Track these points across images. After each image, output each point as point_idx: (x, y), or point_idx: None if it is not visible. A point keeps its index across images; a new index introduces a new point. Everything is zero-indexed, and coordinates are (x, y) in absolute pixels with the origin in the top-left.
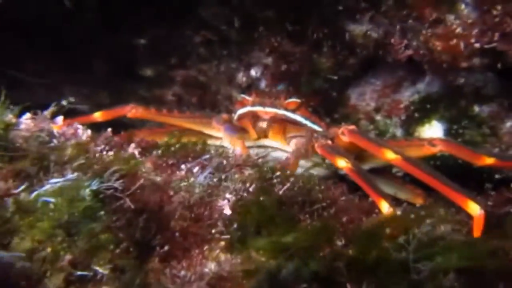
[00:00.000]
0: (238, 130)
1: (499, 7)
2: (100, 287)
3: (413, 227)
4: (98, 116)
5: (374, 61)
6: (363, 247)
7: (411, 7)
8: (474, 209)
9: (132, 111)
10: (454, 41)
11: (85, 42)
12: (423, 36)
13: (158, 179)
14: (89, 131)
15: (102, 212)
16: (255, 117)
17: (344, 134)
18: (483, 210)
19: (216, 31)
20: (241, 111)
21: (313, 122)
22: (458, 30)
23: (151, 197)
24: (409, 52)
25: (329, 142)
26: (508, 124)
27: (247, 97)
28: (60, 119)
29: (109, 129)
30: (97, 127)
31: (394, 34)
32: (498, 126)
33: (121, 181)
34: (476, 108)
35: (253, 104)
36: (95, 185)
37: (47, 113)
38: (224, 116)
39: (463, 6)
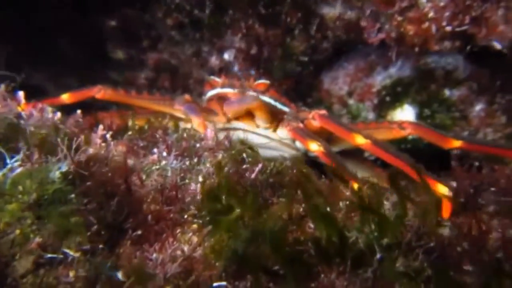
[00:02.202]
0: (200, 110)
1: None
2: (70, 270)
3: (379, 207)
4: (65, 98)
5: (347, 45)
6: (330, 229)
7: None
8: (442, 191)
9: (100, 92)
10: (426, 24)
11: (52, 22)
12: (395, 20)
13: (131, 162)
14: (58, 113)
15: (73, 195)
16: (225, 99)
17: (315, 118)
18: (451, 192)
19: (188, 13)
20: (210, 93)
21: (283, 104)
22: (430, 13)
23: (123, 181)
24: (382, 35)
25: (300, 125)
26: (477, 107)
27: (216, 79)
28: (20, 94)
29: (79, 111)
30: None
31: (366, 18)
32: (467, 109)
33: (92, 163)
34: (447, 92)
35: (223, 86)
36: (64, 167)
37: (1, 89)
38: (186, 96)
39: None
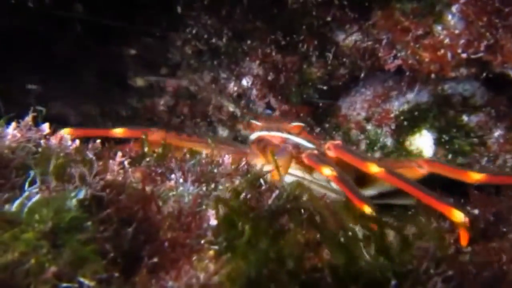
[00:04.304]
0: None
1: (484, 18)
2: None
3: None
4: (119, 132)
5: (364, 71)
6: (344, 256)
7: (398, 19)
8: (459, 216)
9: (153, 134)
10: (442, 51)
11: (73, 52)
12: (411, 47)
13: (148, 189)
14: (77, 141)
15: (89, 223)
16: (263, 142)
17: (330, 149)
18: (467, 217)
19: (206, 41)
20: (252, 136)
21: (314, 144)
22: (446, 40)
23: (140, 207)
24: (398, 62)
25: (315, 151)
26: (496, 133)
27: (257, 123)
28: (46, 126)
29: (98, 141)
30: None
31: (382, 45)
32: (486, 135)
33: (108, 191)
34: (465, 118)
35: (261, 129)
36: (81, 195)
37: (27, 119)
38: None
39: (449, 16)
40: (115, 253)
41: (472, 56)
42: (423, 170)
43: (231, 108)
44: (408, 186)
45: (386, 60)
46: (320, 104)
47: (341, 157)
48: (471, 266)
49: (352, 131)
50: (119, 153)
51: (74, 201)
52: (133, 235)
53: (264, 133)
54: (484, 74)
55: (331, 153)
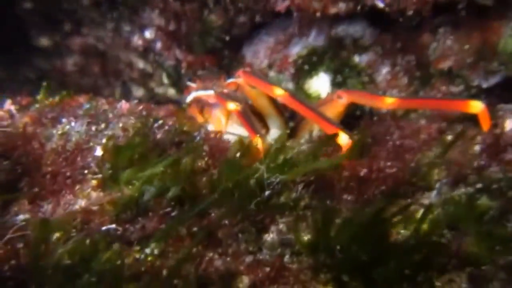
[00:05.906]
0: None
1: None
2: None
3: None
4: None
5: (263, 17)
6: (224, 171)
7: None
8: (344, 139)
9: None
10: None
11: None
12: None
13: (31, 129)
14: None
15: None
16: (201, 102)
17: (240, 75)
18: (351, 139)
19: None
20: (188, 98)
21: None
22: None
23: (19, 145)
24: (287, 2)
25: (225, 90)
26: (384, 71)
27: (192, 84)
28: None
29: None
30: None
31: None
32: (375, 73)
33: None
34: (356, 58)
35: (197, 90)
36: None
37: None
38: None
39: None
40: None
41: None
42: (343, 100)
43: (141, 65)
44: (306, 109)
45: (276, 1)
46: (226, 53)
47: (249, 81)
48: (336, 174)
49: None
50: (8, 101)
51: None
52: (10, 168)
53: (200, 93)
54: (359, 8)
55: (240, 80)
